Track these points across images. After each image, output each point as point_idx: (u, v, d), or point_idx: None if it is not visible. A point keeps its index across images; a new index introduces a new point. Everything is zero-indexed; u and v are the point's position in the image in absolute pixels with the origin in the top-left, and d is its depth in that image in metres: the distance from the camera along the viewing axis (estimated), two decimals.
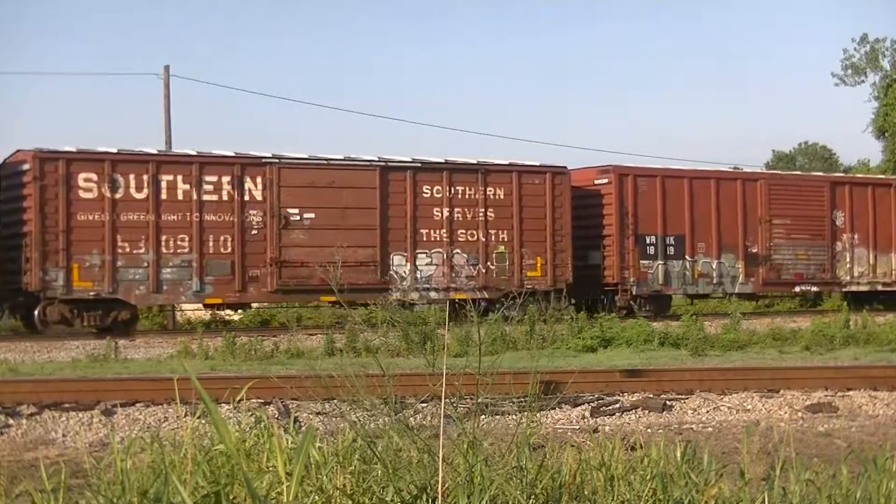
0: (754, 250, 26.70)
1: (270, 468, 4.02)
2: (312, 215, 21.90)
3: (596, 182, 25.46)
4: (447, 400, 4.16)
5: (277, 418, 9.53)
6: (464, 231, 23.35)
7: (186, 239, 20.80)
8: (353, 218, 22.22)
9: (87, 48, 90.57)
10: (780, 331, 19.41)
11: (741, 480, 4.31)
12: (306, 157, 22.24)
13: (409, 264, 22.72)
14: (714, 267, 26.12)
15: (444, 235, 23.09)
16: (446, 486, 3.85)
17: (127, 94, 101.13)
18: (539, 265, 23.94)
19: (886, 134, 45.12)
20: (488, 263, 23.46)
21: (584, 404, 10.96)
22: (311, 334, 19.61)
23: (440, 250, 23.05)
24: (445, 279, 22.96)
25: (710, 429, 9.99)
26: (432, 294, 22.92)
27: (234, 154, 21.71)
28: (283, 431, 4.79)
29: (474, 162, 23.72)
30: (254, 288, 21.43)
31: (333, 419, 6.24)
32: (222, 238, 21.14)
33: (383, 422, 4.62)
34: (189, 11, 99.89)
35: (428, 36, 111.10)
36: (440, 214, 23.12)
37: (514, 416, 8.25)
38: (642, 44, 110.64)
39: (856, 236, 28.29)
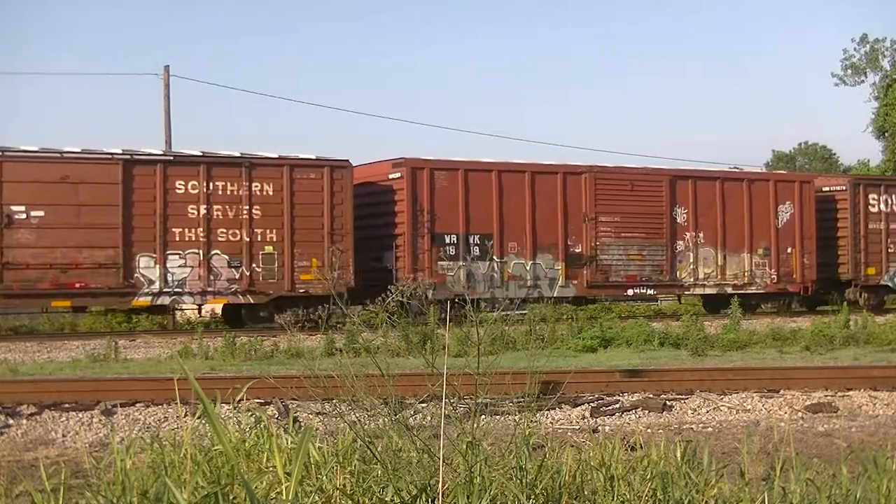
0: (577, 250, 24.45)
1: (270, 468, 4.02)
2: (42, 213, 19.90)
3: (390, 177, 23.27)
4: (447, 400, 4.16)
5: (277, 418, 9.53)
6: (225, 230, 21.32)
7: None
8: (92, 216, 20.24)
9: (88, 48, 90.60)
10: (780, 331, 19.42)
11: (741, 480, 4.31)
12: (35, 149, 20.30)
13: (158, 266, 20.71)
14: (528, 269, 23.78)
15: (202, 235, 21.04)
16: (446, 486, 3.85)
17: (127, 94, 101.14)
18: (315, 267, 21.98)
19: (886, 134, 45.15)
20: (254, 265, 21.48)
21: (584, 404, 10.96)
22: (311, 334, 19.61)
23: (196, 251, 21.01)
24: (202, 282, 21.03)
25: (710, 429, 9.99)
26: (186, 298, 21.22)
27: None
28: (283, 431, 4.79)
29: (237, 155, 21.79)
30: None
31: (333, 419, 6.24)
32: None
33: (383, 422, 4.62)
34: (189, 11, 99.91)
35: (428, 36, 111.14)
36: (196, 212, 21.04)
37: (513, 416, 8.26)
38: (642, 44, 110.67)
39: (701, 235, 26.05)
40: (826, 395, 11.61)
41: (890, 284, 28.84)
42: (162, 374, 12.96)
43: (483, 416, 4.46)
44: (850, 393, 11.74)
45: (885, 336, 18.49)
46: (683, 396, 11.46)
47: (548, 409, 10.03)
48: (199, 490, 3.75)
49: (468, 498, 3.82)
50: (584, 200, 24.61)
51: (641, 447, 4.75)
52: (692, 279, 26.08)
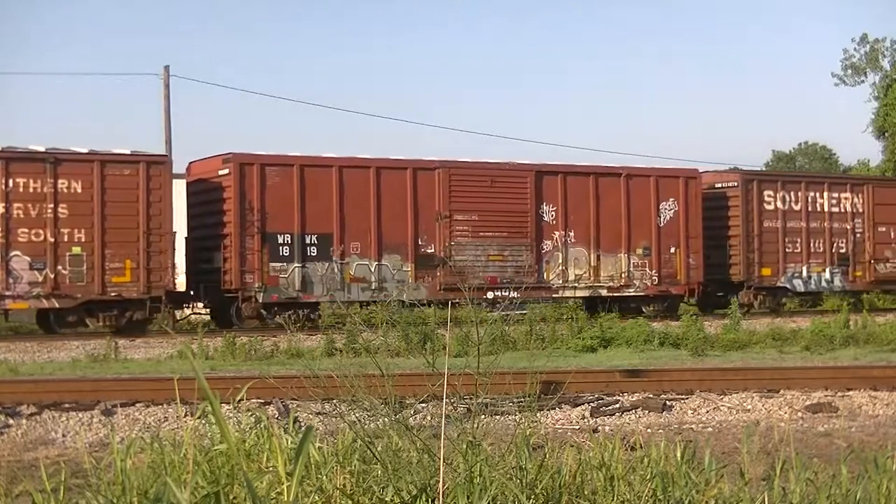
0: (429, 250, 22.85)
1: (270, 468, 4.02)
2: None
3: (219, 173, 21.89)
4: (447, 400, 4.16)
5: (277, 418, 9.53)
6: (27, 230, 19.97)
7: None
8: None
9: (87, 48, 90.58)
10: (780, 331, 19.43)
11: (741, 480, 4.31)
12: None
13: None
14: (373, 270, 22.36)
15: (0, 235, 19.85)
16: (446, 486, 3.85)
17: (127, 94, 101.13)
18: (129, 269, 20.65)
19: (886, 134, 45.16)
20: (59, 267, 20.14)
21: (584, 404, 10.96)
22: (311, 334, 19.61)
23: None
24: (0, 286, 19.88)
25: (710, 429, 9.99)
26: None
27: None
28: (283, 431, 4.79)
29: (41, 150, 20.34)
30: None
31: (333, 419, 6.25)
32: None
33: (383, 422, 4.62)
34: (189, 11, 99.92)
35: (428, 35, 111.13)
36: None
37: (513, 416, 8.26)
38: (642, 44, 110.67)
39: (572, 234, 24.39)
40: (826, 395, 11.62)
41: (788, 286, 27.45)
42: (162, 374, 12.97)
43: (483, 416, 4.45)
44: (850, 393, 11.75)
45: (885, 336, 18.51)
46: (683, 396, 11.47)
47: (548, 409, 10.03)
48: (198, 490, 3.76)
49: (468, 498, 3.82)
50: (437, 197, 23.04)
51: (641, 447, 4.75)
52: (561, 281, 24.33)
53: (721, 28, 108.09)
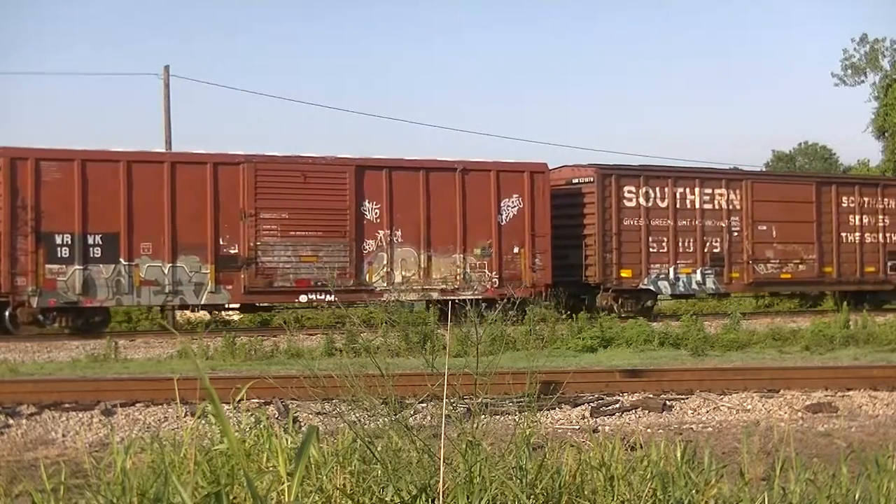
0: (232, 251, 21.41)
1: (270, 468, 4.02)
2: None
3: None
4: (447, 400, 4.16)
5: (277, 418, 9.54)
6: None
7: None
8: None
9: (87, 48, 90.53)
10: (780, 331, 19.43)
11: (741, 480, 4.31)
12: None
13: None
14: (167, 272, 20.86)
15: None
16: (446, 486, 3.85)
17: (127, 94, 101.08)
18: None
19: (886, 134, 45.16)
20: None
21: (584, 404, 10.96)
22: (311, 334, 19.60)
23: None
24: None
25: (710, 429, 9.99)
26: None
27: None
28: (283, 431, 4.79)
29: None
30: None
31: (333, 419, 6.25)
32: None
33: (383, 422, 4.62)
34: (189, 11, 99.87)
35: (429, 36, 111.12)
36: None
37: (513, 416, 8.26)
38: (642, 44, 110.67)
39: (398, 233, 22.72)
40: (826, 395, 11.62)
41: (653, 288, 25.48)
42: (162, 374, 12.97)
43: (483, 416, 4.45)
44: (850, 393, 11.74)
45: (885, 336, 18.51)
46: (683, 396, 11.46)
47: (548, 409, 10.04)
48: (199, 490, 3.76)
49: (468, 498, 3.82)
50: (241, 194, 21.49)
51: (641, 447, 4.75)
52: (386, 283, 22.55)
53: (721, 28, 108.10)
